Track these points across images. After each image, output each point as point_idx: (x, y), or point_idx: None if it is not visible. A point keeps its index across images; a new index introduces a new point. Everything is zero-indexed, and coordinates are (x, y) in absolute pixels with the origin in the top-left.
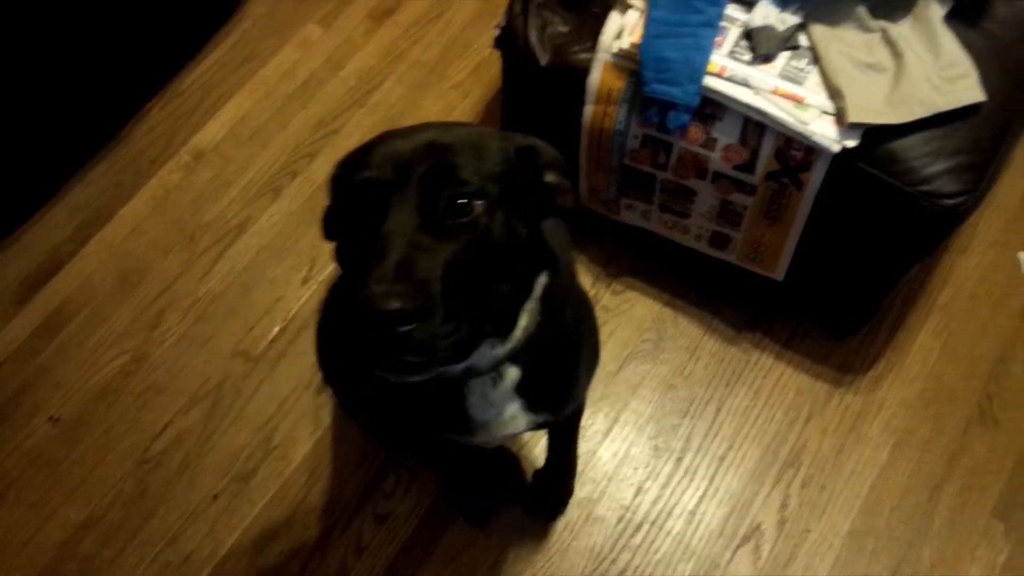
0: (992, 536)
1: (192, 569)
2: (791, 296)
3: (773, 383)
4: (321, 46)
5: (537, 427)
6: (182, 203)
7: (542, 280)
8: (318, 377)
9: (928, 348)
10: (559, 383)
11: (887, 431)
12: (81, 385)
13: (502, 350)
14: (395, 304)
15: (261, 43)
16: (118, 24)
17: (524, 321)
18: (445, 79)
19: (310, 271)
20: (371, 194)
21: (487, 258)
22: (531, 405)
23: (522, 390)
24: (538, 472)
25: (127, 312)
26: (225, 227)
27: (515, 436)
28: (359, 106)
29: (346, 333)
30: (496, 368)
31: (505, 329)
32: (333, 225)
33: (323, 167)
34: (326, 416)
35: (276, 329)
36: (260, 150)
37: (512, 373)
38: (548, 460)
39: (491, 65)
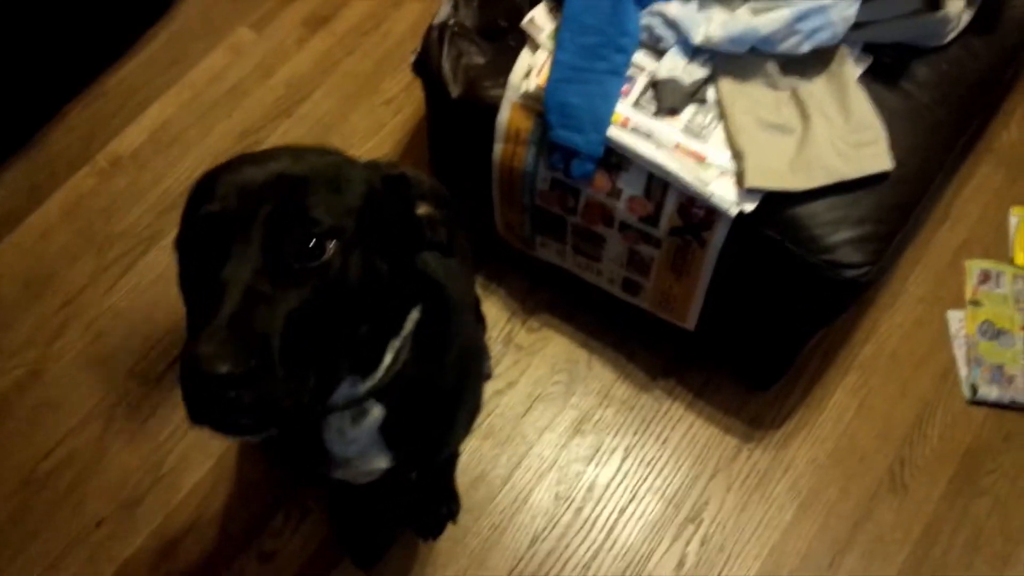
0: None
1: None
2: (705, 345)
3: (682, 434)
4: (252, 51)
5: (405, 469)
6: (94, 211)
7: (414, 316)
8: None
9: (844, 407)
10: (429, 428)
11: (793, 491)
12: None
13: (361, 387)
14: (223, 367)
15: (191, 45)
16: (39, 20)
17: (389, 359)
18: (377, 93)
19: None
20: (212, 231)
21: (341, 302)
22: (395, 447)
23: (386, 430)
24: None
25: (29, 321)
26: (135, 239)
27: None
28: (286, 116)
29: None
30: (357, 404)
31: (366, 366)
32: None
33: None
34: (218, 446)
35: (176, 353)
36: (179, 159)
37: (375, 412)
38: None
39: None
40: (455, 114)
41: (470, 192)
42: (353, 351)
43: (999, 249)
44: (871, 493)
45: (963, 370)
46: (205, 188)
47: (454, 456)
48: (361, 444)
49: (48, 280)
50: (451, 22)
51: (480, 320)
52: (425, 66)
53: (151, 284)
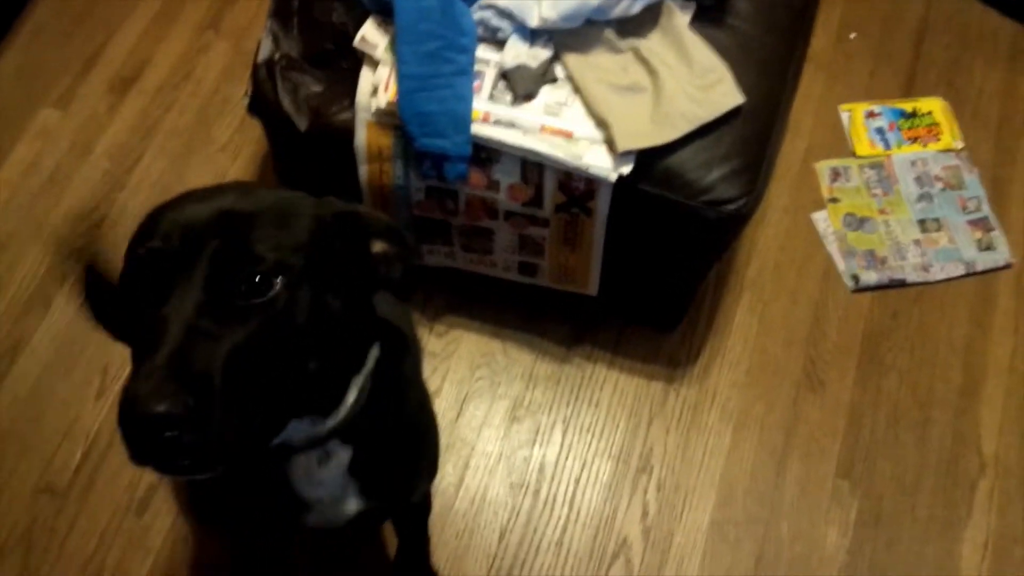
0: (840, 496)
1: None
2: (609, 304)
3: (611, 393)
4: (62, 131)
5: (379, 513)
6: None
7: (374, 353)
8: (138, 495)
9: (746, 326)
10: (397, 468)
11: (725, 416)
12: None
13: (323, 427)
14: (159, 407)
15: None
16: None
17: (352, 397)
18: (210, 142)
19: (103, 381)
20: (153, 268)
21: (288, 339)
22: (366, 489)
23: (356, 472)
24: (397, 551)
25: None
26: None
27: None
28: (119, 188)
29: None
30: (320, 445)
31: (326, 405)
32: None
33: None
34: (156, 536)
35: (79, 454)
36: (16, 261)
37: (341, 453)
38: (399, 545)
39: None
40: (306, 147)
41: None
42: (307, 389)
43: (840, 146)
44: (792, 398)
45: (840, 264)
46: (148, 225)
47: (426, 508)
48: (330, 486)
49: None
50: (276, 56)
51: None
52: (262, 105)
53: (30, 394)
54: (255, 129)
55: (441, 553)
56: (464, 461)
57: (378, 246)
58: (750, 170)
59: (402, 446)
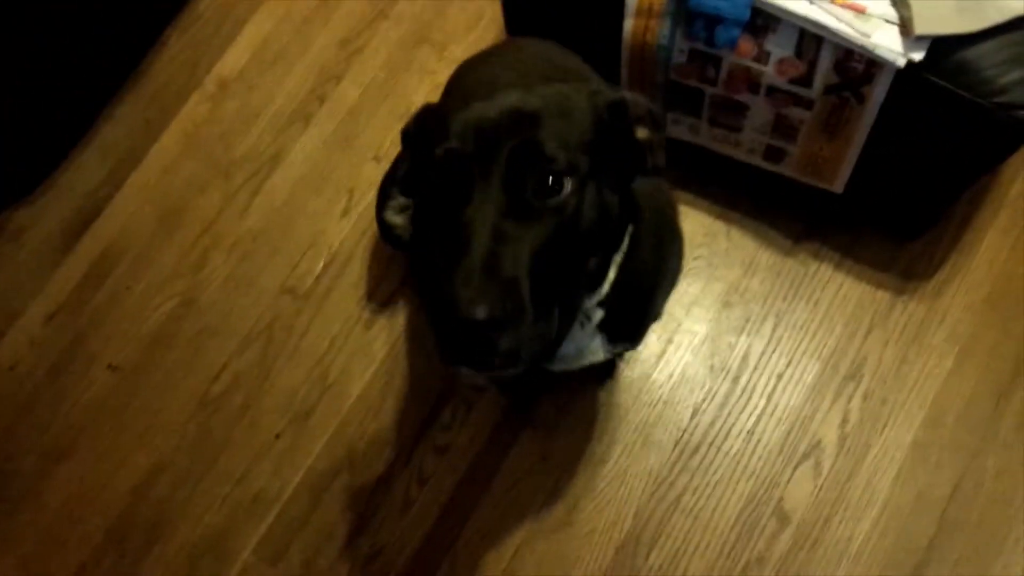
0: None
1: (262, 507)
2: (851, 203)
3: (833, 294)
4: None
5: (616, 356)
6: (212, 137)
7: (629, 230)
8: (367, 312)
9: (997, 247)
10: (638, 317)
11: (952, 339)
12: (135, 332)
13: (590, 302)
14: (483, 312)
15: None
16: None
17: (612, 274)
18: None
19: (349, 202)
20: (453, 170)
21: (578, 239)
22: (612, 339)
23: (605, 327)
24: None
25: (171, 254)
26: (259, 160)
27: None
28: (383, 18)
29: (430, 323)
30: (584, 315)
31: (595, 284)
32: (413, 191)
33: (350, 90)
34: (379, 350)
35: (321, 264)
36: (285, 75)
37: (597, 314)
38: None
39: None
40: None
41: None
42: (587, 278)
43: None
44: None
45: None
46: (439, 127)
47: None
48: (581, 342)
49: (181, 212)
50: None
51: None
52: None
53: (284, 203)
54: None
55: (633, 418)
56: (669, 335)
57: (642, 133)
58: None
59: (643, 295)
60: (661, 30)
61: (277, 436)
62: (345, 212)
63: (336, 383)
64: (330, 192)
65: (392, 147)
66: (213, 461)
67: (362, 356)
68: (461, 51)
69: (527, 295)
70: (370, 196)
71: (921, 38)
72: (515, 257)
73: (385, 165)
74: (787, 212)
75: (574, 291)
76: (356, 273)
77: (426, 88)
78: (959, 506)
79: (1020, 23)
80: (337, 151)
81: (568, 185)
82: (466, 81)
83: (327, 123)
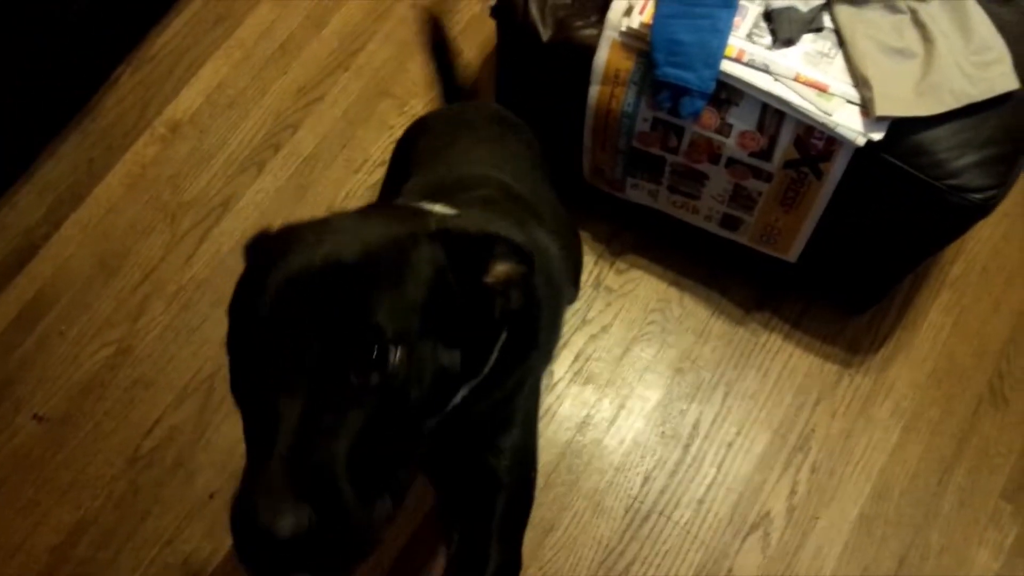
0: (1000, 518)
1: (192, 570)
2: (803, 275)
3: (782, 365)
4: (299, 2)
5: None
6: (160, 180)
7: (494, 356)
8: None
9: (939, 326)
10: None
11: (897, 413)
12: (65, 380)
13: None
14: (286, 528)
15: (234, 1)
16: None
17: (458, 398)
18: None
19: None
20: (262, 340)
21: (409, 412)
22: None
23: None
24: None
25: (108, 300)
26: (208, 206)
27: None
28: (343, 70)
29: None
30: None
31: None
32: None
33: (307, 139)
34: None
35: None
36: (239, 120)
37: None
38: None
39: (483, 23)
40: (541, 58)
41: (552, 137)
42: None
43: None
44: (972, 409)
45: None
46: (253, 282)
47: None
48: None
49: (122, 255)
50: None
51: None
52: (507, 10)
53: (231, 251)
54: (479, 33)
55: (584, 484)
56: (621, 401)
57: (499, 270)
58: (1006, 162)
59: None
60: (626, 98)
61: (211, 495)
62: None
63: None
64: None
65: (348, 199)
66: (141, 520)
67: None
68: (422, 106)
69: (347, 495)
70: None
71: (881, 119)
72: (330, 453)
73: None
74: (741, 280)
75: (408, 459)
76: None
77: (384, 142)
78: None
79: (974, 109)
80: (290, 201)
81: (395, 355)
82: (418, 146)
83: (281, 172)
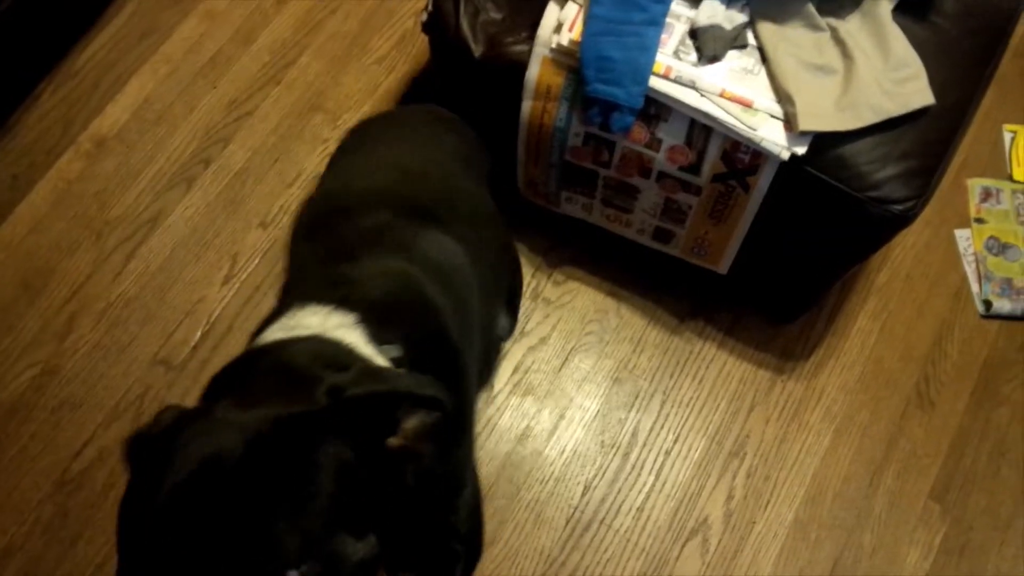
0: (929, 518)
1: None
2: (733, 285)
3: (716, 373)
4: (228, 17)
5: None
6: (86, 196)
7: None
8: None
9: (867, 331)
10: None
11: (828, 418)
12: None
13: None
14: None
15: (160, 15)
16: None
17: None
18: (367, 52)
19: (232, 269)
20: (152, 565)
21: None
22: None
23: None
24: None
25: (34, 319)
26: (135, 222)
27: None
28: (274, 84)
29: None
30: None
31: None
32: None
33: (238, 153)
34: None
35: (198, 334)
36: (167, 136)
37: None
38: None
39: (416, 37)
40: (473, 74)
41: (488, 150)
42: None
43: (997, 166)
44: (900, 412)
45: (975, 286)
46: (138, 494)
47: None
48: None
49: (47, 274)
50: None
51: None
52: (438, 26)
53: (160, 268)
54: (413, 47)
55: (525, 495)
56: (561, 411)
57: (408, 426)
58: (925, 174)
59: None
60: (558, 113)
61: None
62: (227, 279)
63: None
64: (212, 258)
65: (281, 213)
66: (71, 545)
67: None
68: (355, 120)
69: None
70: (255, 263)
71: (804, 134)
72: None
73: (273, 232)
74: (675, 291)
75: None
76: (236, 344)
77: (318, 156)
78: None
79: (893, 123)
80: (221, 216)
81: (302, 570)
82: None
83: (211, 187)
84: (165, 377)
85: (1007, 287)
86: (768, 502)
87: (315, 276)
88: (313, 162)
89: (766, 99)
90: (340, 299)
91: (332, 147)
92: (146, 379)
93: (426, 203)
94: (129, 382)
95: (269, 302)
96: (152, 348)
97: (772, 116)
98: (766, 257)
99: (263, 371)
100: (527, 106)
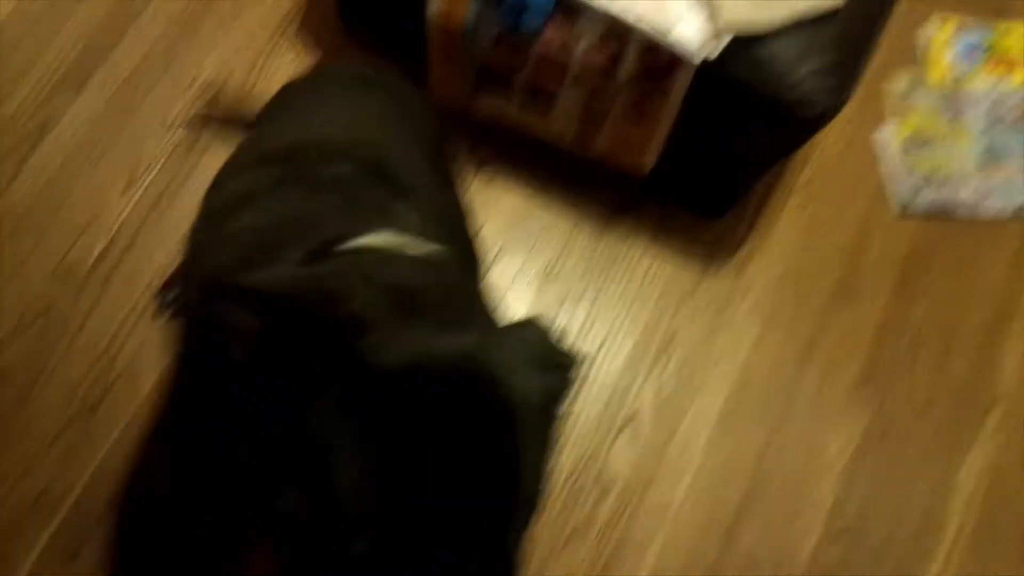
0: (851, 408)
1: (46, 510)
2: (657, 185)
3: (644, 272)
4: None
5: None
6: None
7: None
8: (154, 300)
9: (791, 227)
10: None
11: (754, 313)
12: None
13: None
14: None
15: None
16: None
17: None
18: None
19: (130, 178)
20: None
21: None
22: None
23: None
24: None
25: None
26: (21, 131)
27: None
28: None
29: None
30: None
31: None
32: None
33: (128, 55)
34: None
35: (100, 246)
36: (52, 35)
37: None
38: None
39: None
40: None
41: (396, 55)
42: None
43: (915, 63)
44: (823, 307)
45: (894, 183)
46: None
47: None
48: None
49: None
50: None
51: None
52: None
53: (52, 181)
54: None
55: None
56: (493, 305)
57: None
58: (843, 70)
59: None
60: (468, 12)
61: (57, 435)
62: (125, 189)
63: (123, 376)
64: (107, 167)
65: (178, 120)
66: None
67: (151, 348)
68: (256, 20)
69: None
70: (155, 171)
71: (719, 34)
72: None
73: (172, 138)
74: (600, 191)
75: None
76: (140, 256)
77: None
78: (765, 470)
79: (809, 23)
80: (115, 122)
81: None
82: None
83: (103, 90)
84: (69, 290)
85: (926, 183)
86: (695, 397)
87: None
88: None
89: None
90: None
91: (232, 45)
92: (48, 294)
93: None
94: (30, 298)
95: (175, 212)
96: (52, 262)
97: (688, 16)
98: (689, 157)
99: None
100: (435, 6)
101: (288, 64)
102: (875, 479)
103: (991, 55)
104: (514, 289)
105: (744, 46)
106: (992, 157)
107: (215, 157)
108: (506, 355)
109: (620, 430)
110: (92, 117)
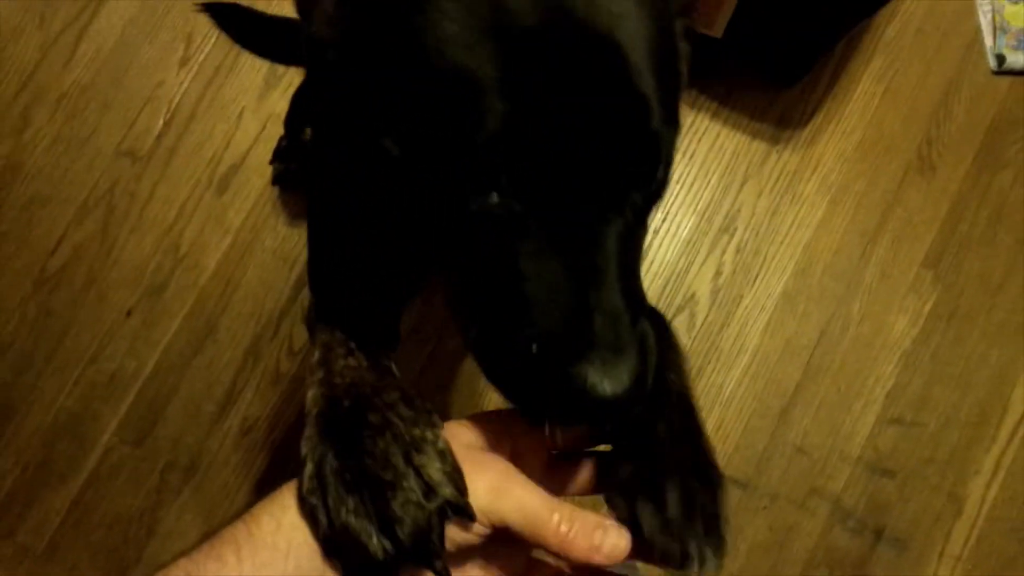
0: (920, 285)
1: (120, 388)
2: (729, 50)
3: (708, 146)
4: None
5: None
6: None
7: None
8: (217, 175)
9: (870, 94)
10: None
11: (823, 188)
12: None
13: None
14: (625, 388)
15: None
16: None
17: None
18: None
19: (187, 50)
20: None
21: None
22: None
23: None
24: None
25: None
26: (78, 2)
27: None
28: None
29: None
30: None
31: None
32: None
33: None
34: (235, 218)
35: (161, 122)
36: None
37: None
38: None
39: None
40: None
41: None
42: None
43: None
44: (899, 179)
45: (988, 40)
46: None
47: None
48: None
49: None
50: None
51: None
52: None
53: (112, 51)
54: None
55: None
56: None
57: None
58: None
59: None
60: None
61: (128, 313)
62: (184, 62)
63: (189, 254)
64: (165, 37)
65: None
66: (59, 342)
67: (216, 225)
68: None
69: (648, 337)
70: (211, 43)
71: None
72: (634, 298)
73: None
74: None
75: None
76: (201, 131)
77: None
78: (824, 352)
79: None
80: None
81: (661, 172)
82: None
83: None
84: (133, 168)
85: (1023, 39)
86: (757, 276)
87: None
88: None
89: None
90: None
91: None
92: (113, 171)
93: None
94: (96, 175)
95: (231, 87)
96: (115, 138)
97: None
98: (765, 15)
99: None
100: None
101: None
102: (937, 361)
103: None
104: None
105: None
106: None
107: None
108: None
109: (677, 312)
110: None
